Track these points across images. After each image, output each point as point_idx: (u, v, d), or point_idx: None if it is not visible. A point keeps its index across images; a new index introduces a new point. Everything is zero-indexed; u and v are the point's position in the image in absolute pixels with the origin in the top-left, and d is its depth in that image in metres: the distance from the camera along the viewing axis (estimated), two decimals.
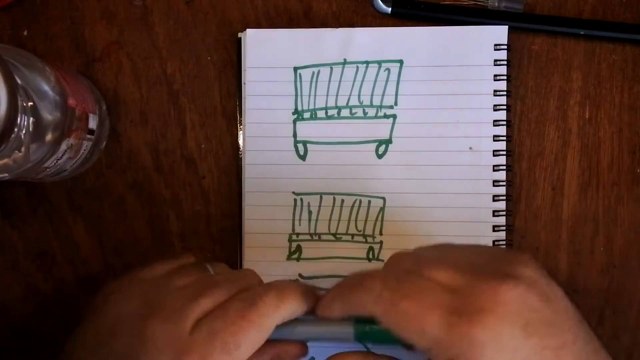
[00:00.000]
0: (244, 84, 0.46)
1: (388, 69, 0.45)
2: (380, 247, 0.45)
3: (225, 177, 0.47)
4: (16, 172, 0.38)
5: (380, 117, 0.45)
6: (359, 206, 0.45)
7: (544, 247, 0.45)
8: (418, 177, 0.45)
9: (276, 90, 0.46)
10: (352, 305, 0.34)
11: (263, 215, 0.46)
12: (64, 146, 0.40)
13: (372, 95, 0.45)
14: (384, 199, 0.45)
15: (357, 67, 0.45)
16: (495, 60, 0.45)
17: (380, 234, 0.45)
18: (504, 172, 0.44)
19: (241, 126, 0.46)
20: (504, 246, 0.44)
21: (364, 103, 0.45)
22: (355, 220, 0.45)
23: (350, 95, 0.45)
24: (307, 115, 0.46)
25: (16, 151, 0.36)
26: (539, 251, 0.45)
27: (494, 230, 0.44)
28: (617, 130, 0.45)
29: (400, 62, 0.45)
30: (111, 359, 0.33)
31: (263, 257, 0.45)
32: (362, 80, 0.45)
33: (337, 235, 0.45)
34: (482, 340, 0.29)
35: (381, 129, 0.45)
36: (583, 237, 0.45)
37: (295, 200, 0.46)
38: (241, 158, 0.46)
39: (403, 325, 0.31)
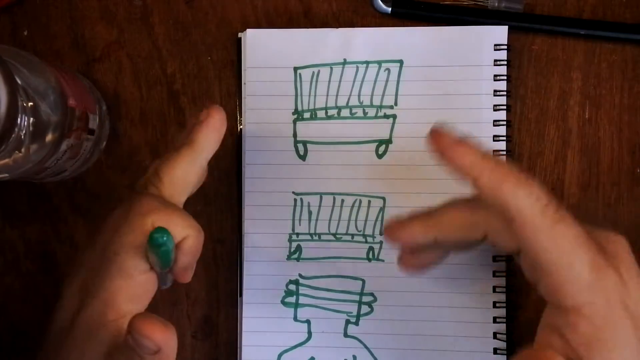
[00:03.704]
0: (244, 84, 0.46)
1: (388, 69, 0.45)
2: (380, 247, 0.45)
3: (225, 177, 0.47)
4: (16, 172, 0.38)
5: (380, 117, 0.45)
6: (359, 206, 0.45)
7: None
8: (418, 177, 0.45)
9: (276, 90, 0.46)
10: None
11: (263, 215, 0.46)
12: (64, 146, 0.40)
13: (372, 95, 0.45)
14: (384, 199, 0.45)
15: (357, 67, 0.45)
16: (495, 60, 0.45)
17: (380, 234, 0.45)
18: None
19: (241, 126, 0.46)
20: None
21: (364, 103, 0.45)
22: (355, 220, 0.45)
23: (350, 95, 0.45)
24: (307, 115, 0.46)
25: (16, 151, 0.37)
26: None
27: None
28: (617, 130, 0.45)
29: (400, 62, 0.45)
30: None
31: (263, 257, 0.45)
32: (362, 80, 0.45)
33: (337, 235, 0.45)
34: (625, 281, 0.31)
35: (381, 129, 0.45)
36: None
37: (295, 200, 0.46)
38: (241, 158, 0.46)
39: (554, 250, 0.31)
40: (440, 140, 0.32)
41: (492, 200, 0.32)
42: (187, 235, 0.35)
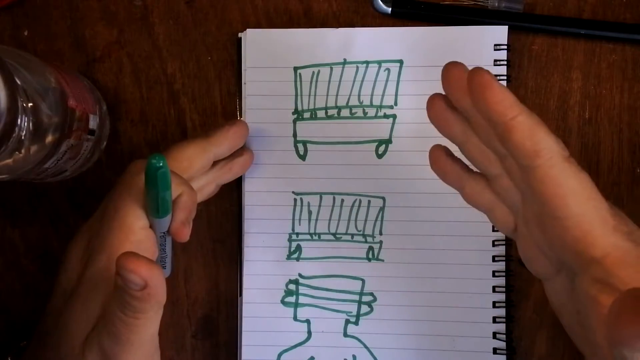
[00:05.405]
0: (244, 84, 0.46)
1: (388, 69, 0.45)
2: (380, 247, 0.45)
3: None
4: (17, 172, 0.38)
5: (380, 117, 0.45)
6: (359, 206, 0.45)
7: None
8: (418, 177, 0.45)
9: (276, 90, 0.46)
10: None
11: (263, 215, 0.46)
12: (64, 147, 0.40)
13: (372, 95, 0.45)
14: (383, 199, 0.45)
15: (357, 67, 0.45)
16: (495, 60, 0.45)
17: (380, 233, 0.45)
18: None
19: None
20: (503, 246, 0.44)
21: (364, 103, 0.45)
22: (355, 220, 0.45)
23: (350, 95, 0.45)
24: (307, 115, 0.46)
25: (16, 152, 0.37)
26: None
27: (493, 230, 0.44)
28: (617, 130, 0.45)
29: (400, 62, 0.45)
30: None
31: (263, 257, 0.46)
32: (362, 80, 0.45)
33: (337, 235, 0.46)
34: None
35: (381, 129, 0.45)
36: None
37: (295, 200, 0.46)
38: None
39: (582, 194, 0.31)
40: (477, 77, 0.30)
41: (521, 142, 0.31)
42: (181, 192, 0.38)
